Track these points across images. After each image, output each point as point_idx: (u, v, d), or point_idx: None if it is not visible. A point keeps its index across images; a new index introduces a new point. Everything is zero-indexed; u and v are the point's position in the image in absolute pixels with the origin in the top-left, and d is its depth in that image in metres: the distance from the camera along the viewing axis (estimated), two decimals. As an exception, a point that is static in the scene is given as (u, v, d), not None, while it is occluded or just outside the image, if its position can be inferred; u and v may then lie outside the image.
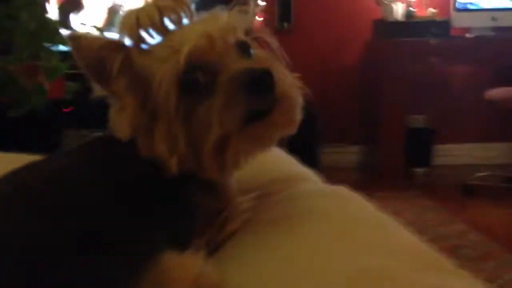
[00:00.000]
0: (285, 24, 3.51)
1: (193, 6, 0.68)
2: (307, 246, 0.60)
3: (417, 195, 3.12)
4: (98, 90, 0.66)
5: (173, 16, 0.64)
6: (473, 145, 3.81)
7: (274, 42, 0.71)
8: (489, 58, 3.35)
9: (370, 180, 3.47)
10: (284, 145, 0.74)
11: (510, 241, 2.40)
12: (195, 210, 0.66)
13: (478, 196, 3.05)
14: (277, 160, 0.85)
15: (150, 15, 0.63)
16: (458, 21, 3.45)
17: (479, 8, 3.45)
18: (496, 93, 3.02)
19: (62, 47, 1.86)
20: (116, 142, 0.64)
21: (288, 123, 0.66)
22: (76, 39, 0.64)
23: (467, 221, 2.66)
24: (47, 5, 2.12)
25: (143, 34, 0.63)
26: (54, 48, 1.87)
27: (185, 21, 0.66)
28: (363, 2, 3.66)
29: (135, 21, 0.63)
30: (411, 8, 3.50)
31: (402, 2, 3.53)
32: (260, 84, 0.60)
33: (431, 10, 3.49)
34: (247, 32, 0.68)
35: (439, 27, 3.40)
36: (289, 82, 0.65)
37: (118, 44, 0.64)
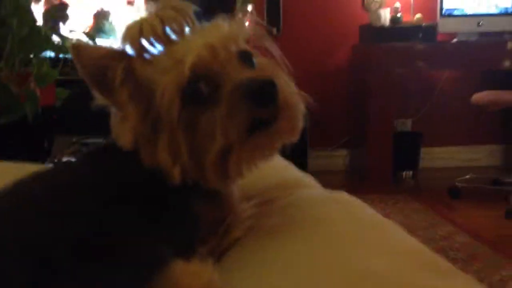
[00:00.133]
0: (274, 30, 3.54)
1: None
2: (311, 252, 0.61)
3: (404, 198, 3.15)
4: (99, 99, 0.66)
5: (175, 27, 0.64)
6: (459, 148, 3.86)
7: (275, 49, 0.71)
8: (474, 63, 3.40)
9: (358, 183, 3.50)
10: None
11: (496, 243, 2.44)
12: (198, 218, 0.67)
13: (465, 198, 3.08)
14: (274, 166, 0.86)
15: (152, 26, 0.63)
16: (444, 26, 3.49)
17: (464, 13, 3.50)
18: (482, 96, 3.07)
19: (53, 54, 1.86)
20: (119, 151, 0.64)
21: (291, 131, 0.67)
22: (78, 48, 0.64)
23: (454, 223, 2.69)
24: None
25: (146, 44, 0.63)
26: (44, 54, 1.87)
27: (187, 31, 0.66)
28: (351, 8, 3.70)
29: (138, 32, 0.63)
30: (397, 14, 3.54)
31: (389, 8, 3.58)
32: (263, 93, 0.60)
33: (418, 15, 3.54)
34: (248, 40, 0.68)
35: (425, 32, 3.45)
36: (291, 90, 0.66)
37: (121, 54, 0.64)
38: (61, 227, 0.53)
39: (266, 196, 0.78)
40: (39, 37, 1.69)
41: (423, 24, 3.49)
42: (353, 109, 3.60)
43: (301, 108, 0.67)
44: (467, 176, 3.22)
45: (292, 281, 0.55)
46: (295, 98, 0.66)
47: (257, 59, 0.68)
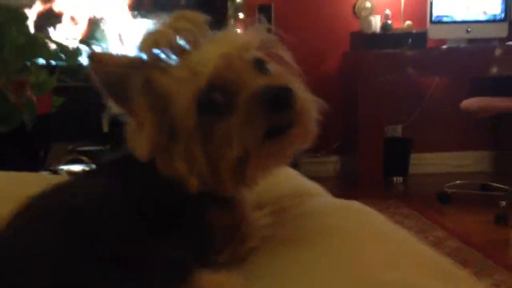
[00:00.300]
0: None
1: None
2: (328, 262, 0.61)
3: (395, 203, 3.18)
4: (114, 108, 0.67)
5: (190, 37, 0.65)
6: (448, 154, 3.90)
7: (287, 55, 0.72)
8: (464, 69, 3.44)
9: (349, 189, 3.52)
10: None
11: (487, 248, 2.47)
12: (213, 226, 0.67)
13: (455, 204, 3.12)
14: (284, 174, 0.87)
15: (168, 37, 0.64)
16: (434, 33, 3.53)
17: (454, 20, 3.55)
18: (472, 102, 3.10)
19: (48, 62, 1.85)
20: (135, 161, 0.64)
21: (305, 136, 0.68)
22: (96, 57, 0.64)
23: (445, 229, 2.72)
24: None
25: (161, 54, 0.64)
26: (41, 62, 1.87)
27: (201, 40, 0.66)
28: (341, 15, 3.73)
29: (153, 42, 0.64)
30: (388, 21, 3.58)
31: (379, 15, 3.62)
32: (279, 100, 0.61)
33: (408, 22, 3.58)
34: (260, 47, 0.68)
35: (415, 39, 3.49)
36: (306, 96, 0.66)
37: (140, 64, 0.64)
38: (88, 240, 0.53)
39: (278, 204, 0.79)
40: (36, 45, 1.69)
41: (413, 31, 3.53)
42: (344, 115, 3.63)
43: (315, 113, 0.68)
44: (457, 182, 3.25)
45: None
46: (309, 104, 0.67)
47: (271, 66, 0.68)
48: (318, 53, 3.73)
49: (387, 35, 3.53)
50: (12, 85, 1.61)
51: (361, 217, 0.76)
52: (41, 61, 1.97)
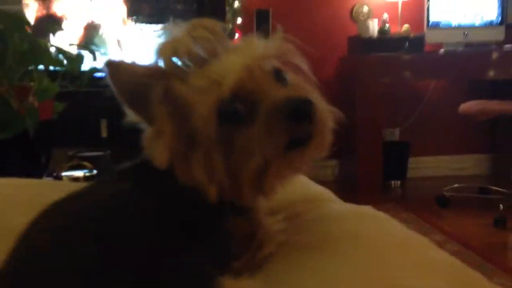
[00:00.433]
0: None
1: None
2: (348, 268, 0.62)
3: (393, 207, 3.18)
4: (131, 116, 0.67)
5: (208, 46, 0.65)
6: (446, 157, 3.92)
7: (304, 65, 0.72)
8: (461, 73, 3.46)
9: (347, 193, 3.51)
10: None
11: (486, 251, 2.48)
12: (231, 233, 0.68)
13: (453, 207, 3.13)
14: (296, 180, 0.86)
15: (186, 46, 0.64)
16: (431, 37, 3.55)
17: (451, 25, 3.57)
18: (470, 106, 3.12)
19: (47, 67, 1.85)
20: (153, 168, 0.65)
21: (323, 147, 0.68)
22: (114, 65, 0.65)
23: (443, 232, 2.73)
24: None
25: (180, 63, 0.64)
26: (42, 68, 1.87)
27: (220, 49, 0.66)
28: (339, 19, 3.75)
29: (172, 51, 0.64)
30: (385, 25, 3.59)
31: (377, 19, 3.63)
32: (301, 113, 0.61)
33: (405, 26, 3.60)
34: (278, 56, 0.69)
35: (413, 43, 3.50)
36: (325, 107, 0.67)
37: (160, 72, 0.65)
38: (116, 251, 0.53)
39: (291, 210, 0.79)
40: (39, 51, 1.69)
41: (411, 35, 3.55)
42: (342, 119, 3.63)
43: (331, 124, 0.68)
44: (455, 185, 3.26)
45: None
46: (327, 115, 0.67)
47: (288, 75, 0.69)
48: (316, 57, 3.72)
49: (384, 39, 3.55)
50: (15, 91, 1.61)
51: (376, 222, 0.77)
52: (42, 66, 1.97)
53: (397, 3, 3.70)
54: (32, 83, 1.66)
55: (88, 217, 0.58)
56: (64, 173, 1.79)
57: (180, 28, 0.67)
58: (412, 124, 3.78)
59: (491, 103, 3.10)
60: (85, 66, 2.03)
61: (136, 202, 0.63)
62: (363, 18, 3.67)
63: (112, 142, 2.55)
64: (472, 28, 3.56)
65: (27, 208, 0.76)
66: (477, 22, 3.58)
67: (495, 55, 3.38)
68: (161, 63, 0.66)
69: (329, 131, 0.68)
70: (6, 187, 0.90)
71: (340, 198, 0.93)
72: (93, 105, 2.64)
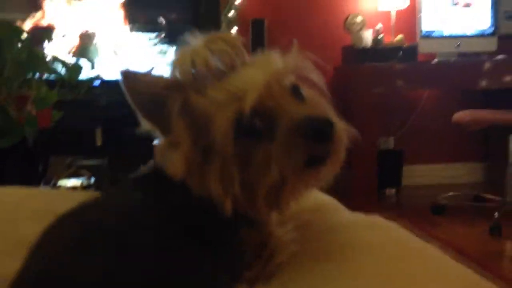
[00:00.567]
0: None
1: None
2: (362, 277, 0.62)
3: (389, 215, 3.15)
4: (145, 125, 0.67)
5: (226, 60, 0.66)
6: (440, 166, 3.94)
7: (320, 80, 0.73)
8: (454, 82, 3.49)
9: (342, 201, 3.51)
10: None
11: (481, 259, 2.49)
12: (243, 243, 0.68)
13: (448, 215, 3.14)
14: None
15: (205, 58, 0.64)
16: (424, 47, 3.58)
17: (443, 35, 3.61)
18: (463, 115, 3.14)
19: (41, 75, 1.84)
20: (166, 178, 0.65)
21: (338, 165, 0.69)
22: (130, 75, 0.65)
23: (439, 240, 2.73)
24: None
25: (198, 76, 0.65)
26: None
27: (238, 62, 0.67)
28: (333, 29, 3.77)
29: (189, 64, 0.65)
30: (379, 35, 3.62)
31: (371, 29, 3.66)
32: (322, 133, 0.62)
33: (399, 37, 3.63)
34: (295, 72, 0.70)
35: (406, 53, 3.53)
36: (342, 127, 0.68)
37: (178, 85, 0.65)
38: (135, 261, 0.53)
39: (300, 219, 0.79)
40: (37, 60, 1.69)
41: (404, 45, 3.58)
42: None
43: (347, 142, 0.69)
44: (450, 194, 3.27)
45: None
46: (344, 134, 0.68)
47: (305, 91, 0.69)
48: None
49: (378, 49, 3.58)
50: (14, 100, 1.61)
51: (387, 232, 0.77)
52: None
53: (390, 13, 3.73)
54: (30, 92, 1.66)
55: (105, 227, 0.58)
56: (62, 182, 1.78)
57: (198, 40, 0.67)
58: (406, 132, 3.80)
59: (484, 113, 3.13)
60: (82, 75, 2.04)
61: (152, 212, 0.63)
62: (356, 28, 3.70)
63: (107, 150, 2.55)
64: (464, 38, 3.59)
65: (36, 217, 0.76)
66: (470, 32, 3.62)
67: (487, 65, 3.42)
68: (178, 74, 0.66)
69: (344, 149, 0.69)
70: (14, 196, 0.90)
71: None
72: (88, 114, 2.64)
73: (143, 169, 0.73)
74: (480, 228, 2.86)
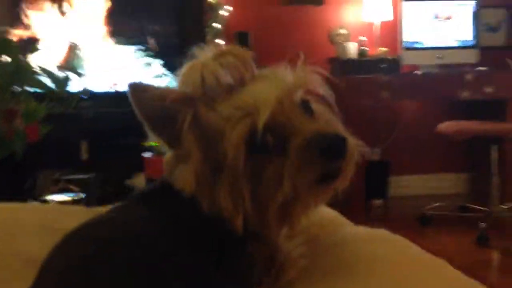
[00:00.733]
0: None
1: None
2: None
3: (376, 226, 3.19)
4: (152, 138, 0.66)
5: (236, 74, 0.65)
6: (426, 176, 3.97)
7: (330, 95, 0.73)
8: (437, 93, 3.53)
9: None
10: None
11: (469, 269, 2.49)
12: (253, 258, 0.67)
13: (435, 226, 3.16)
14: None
15: (215, 73, 0.64)
16: (407, 59, 3.63)
17: (425, 46, 3.66)
18: (447, 126, 3.18)
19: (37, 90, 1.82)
20: (175, 193, 0.64)
21: (348, 180, 0.69)
22: (138, 87, 0.64)
23: (427, 251, 2.74)
24: None
25: (207, 90, 0.64)
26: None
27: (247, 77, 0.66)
28: (317, 41, 3.80)
29: (199, 77, 0.64)
30: (363, 47, 3.66)
31: (355, 42, 3.70)
32: (335, 150, 0.62)
33: (382, 49, 3.67)
34: (305, 87, 0.69)
35: (389, 64, 3.57)
36: (354, 143, 0.67)
37: (186, 97, 0.64)
38: (145, 279, 0.52)
39: (308, 234, 0.79)
40: (25, 73, 1.66)
41: (388, 57, 3.62)
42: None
43: (357, 158, 0.69)
44: (436, 204, 3.30)
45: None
46: (356, 150, 0.68)
47: (314, 106, 0.69)
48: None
49: (362, 61, 3.61)
50: (3, 114, 1.57)
51: (394, 245, 0.77)
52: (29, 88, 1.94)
53: (373, 25, 3.77)
54: (19, 105, 1.63)
55: (114, 244, 0.56)
56: (51, 197, 1.75)
57: (206, 54, 0.67)
58: (392, 143, 3.83)
59: (468, 124, 3.17)
60: (73, 88, 2.01)
61: (161, 228, 0.62)
62: (340, 41, 3.73)
63: (95, 164, 2.52)
64: (446, 50, 3.65)
65: (39, 233, 0.74)
66: (452, 44, 3.68)
67: (469, 76, 3.47)
68: (187, 88, 0.65)
69: (354, 165, 0.69)
70: (18, 212, 0.87)
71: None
72: (75, 127, 2.61)
73: (152, 184, 0.71)
74: (467, 238, 2.88)
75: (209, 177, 0.63)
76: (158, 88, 0.65)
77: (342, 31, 3.80)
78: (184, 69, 0.66)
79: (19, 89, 1.64)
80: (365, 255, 0.72)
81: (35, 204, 1.02)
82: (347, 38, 3.76)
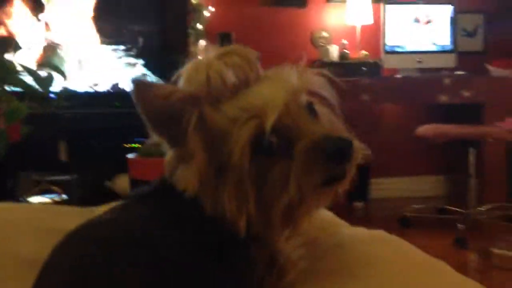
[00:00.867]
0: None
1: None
2: None
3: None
4: (155, 137, 0.65)
5: (240, 74, 0.64)
6: (405, 179, 4.02)
7: (332, 97, 0.72)
8: (415, 97, 3.58)
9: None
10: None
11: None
12: (254, 259, 0.66)
13: (415, 228, 3.20)
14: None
15: (220, 72, 0.63)
16: (388, 62, 3.68)
17: (405, 50, 3.71)
18: (427, 129, 3.22)
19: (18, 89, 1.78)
20: (176, 194, 0.63)
21: (350, 182, 0.69)
22: (142, 85, 0.63)
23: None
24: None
25: (213, 91, 0.63)
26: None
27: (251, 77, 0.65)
28: (301, 43, 3.81)
29: (205, 77, 0.63)
30: (345, 50, 3.69)
31: (337, 45, 3.72)
32: (342, 154, 0.62)
33: (363, 52, 3.70)
34: (310, 89, 0.69)
35: (371, 68, 3.60)
36: (359, 146, 0.67)
37: (191, 96, 0.63)
38: (147, 279, 0.52)
39: (307, 236, 0.78)
40: (8, 71, 1.63)
41: (369, 60, 3.66)
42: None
43: (360, 160, 0.68)
44: (416, 206, 3.33)
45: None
46: (360, 153, 0.67)
47: (318, 108, 0.69)
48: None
49: (344, 64, 3.64)
50: (-16, 114, 1.54)
51: (392, 246, 0.78)
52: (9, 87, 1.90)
53: (355, 28, 3.80)
54: (1, 105, 1.59)
55: (115, 244, 0.56)
56: (32, 198, 1.71)
57: (210, 53, 0.66)
58: (372, 146, 3.85)
59: (446, 127, 3.21)
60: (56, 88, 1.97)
61: (164, 227, 0.61)
62: (323, 43, 3.75)
63: (74, 165, 2.48)
64: (426, 54, 3.70)
65: (34, 233, 0.73)
66: (431, 48, 3.73)
67: (447, 80, 3.52)
68: (191, 87, 0.64)
69: (356, 167, 0.68)
70: (11, 212, 0.85)
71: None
72: (54, 128, 2.57)
73: (151, 184, 0.70)
74: (446, 240, 2.91)
75: (213, 178, 0.63)
76: (162, 86, 0.64)
77: (324, 33, 3.82)
78: (188, 67, 0.65)
79: (0, 88, 1.60)
80: (364, 257, 0.72)
81: (27, 204, 0.99)
82: (329, 41, 3.78)
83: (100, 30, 3.19)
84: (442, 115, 3.72)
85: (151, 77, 3.15)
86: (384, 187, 3.94)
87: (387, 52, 3.67)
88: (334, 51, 3.66)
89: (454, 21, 3.76)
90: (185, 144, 0.63)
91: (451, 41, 3.74)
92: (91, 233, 0.59)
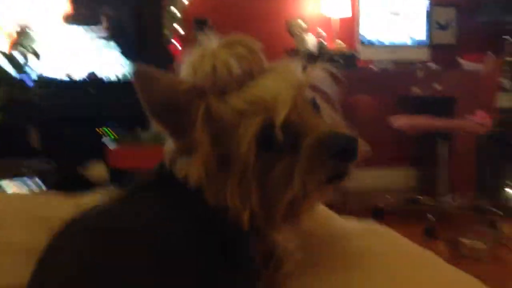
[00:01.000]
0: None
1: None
2: (369, 284, 0.63)
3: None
4: (156, 127, 0.63)
5: (245, 66, 0.63)
6: (378, 170, 4.06)
7: (334, 92, 0.72)
8: (390, 88, 3.62)
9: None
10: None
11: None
12: (256, 253, 0.66)
13: (386, 218, 3.25)
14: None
15: (226, 63, 0.62)
16: (363, 54, 3.70)
17: (381, 43, 3.74)
18: (399, 119, 3.26)
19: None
20: (176, 184, 0.62)
21: (350, 178, 0.68)
22: (145, 76, 0.61)
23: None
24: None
25: (217, 81, 0.61)
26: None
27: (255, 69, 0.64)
28: (277, 32, 3.80)
29: (210, 68, 0.61)
30: (322, 40, 3.69)
31: (313, 34, 3.72)
32: (349, 152, 0.62)
33: (339, 42, 3.71)
34: (313, 83, 0.68)
35: (346, 59, 3.62)
36: (361, 144, 0.67)
37: (199, 89, 0.61)
38: (148, 269, 0.52)
39: (300, 228, 0.78)
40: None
41: (345, 52, 3.67)
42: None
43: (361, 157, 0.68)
44: (388, 197, 3.39)
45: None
46: (363, 151, 0.67)
47: (320, 104, 0.68)
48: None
49: (320, 55, 3.64)
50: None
51: (385, 237, 0.79)
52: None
53: (331, 19, 3.81)
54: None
55: (114, 234, 0.55)
56: (7, 183, 1.67)
57: (214, 42, 0.64)
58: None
59: (419, 119, 3.26)
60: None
61: (163, 218, 0.60)
62: (299, 32, 3.75)
63: (48, 152, 2.42)
64: (400, 46, 3.75)
65: (27, 222, 0.71)
66: (406, 41, 3.77)
67: (420, 73, 3.57)
68: (195, 77, 0.62)
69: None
70: (1, 201, 0.83)
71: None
72: (27, 114, 2.50)
73: (149, 173, 0.68)
74: (417, 230, 2.97)
75: (217, 171, 0.62)
76: (165, 76, 0.62)
77: (301, 22, 3.81)
78: (193, 57, 0.64)
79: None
80: (358, 248, 0.74)
81: (15, 194, 0.97)
82: (305, 30, 3.78)
83: (73, 13, 3.12)
84: (414, 107, 3.77)
85: (125, 59, 3.09)
86: (359, 178, 3.97)
87: (363, 44, 3.69)
88: (310, 41, 3.66)
89: (429, 14, 3.81)
90: (189, 136, 0.61)
91: (425, 35, 3.79)
92: (87, 223, 0.58)
